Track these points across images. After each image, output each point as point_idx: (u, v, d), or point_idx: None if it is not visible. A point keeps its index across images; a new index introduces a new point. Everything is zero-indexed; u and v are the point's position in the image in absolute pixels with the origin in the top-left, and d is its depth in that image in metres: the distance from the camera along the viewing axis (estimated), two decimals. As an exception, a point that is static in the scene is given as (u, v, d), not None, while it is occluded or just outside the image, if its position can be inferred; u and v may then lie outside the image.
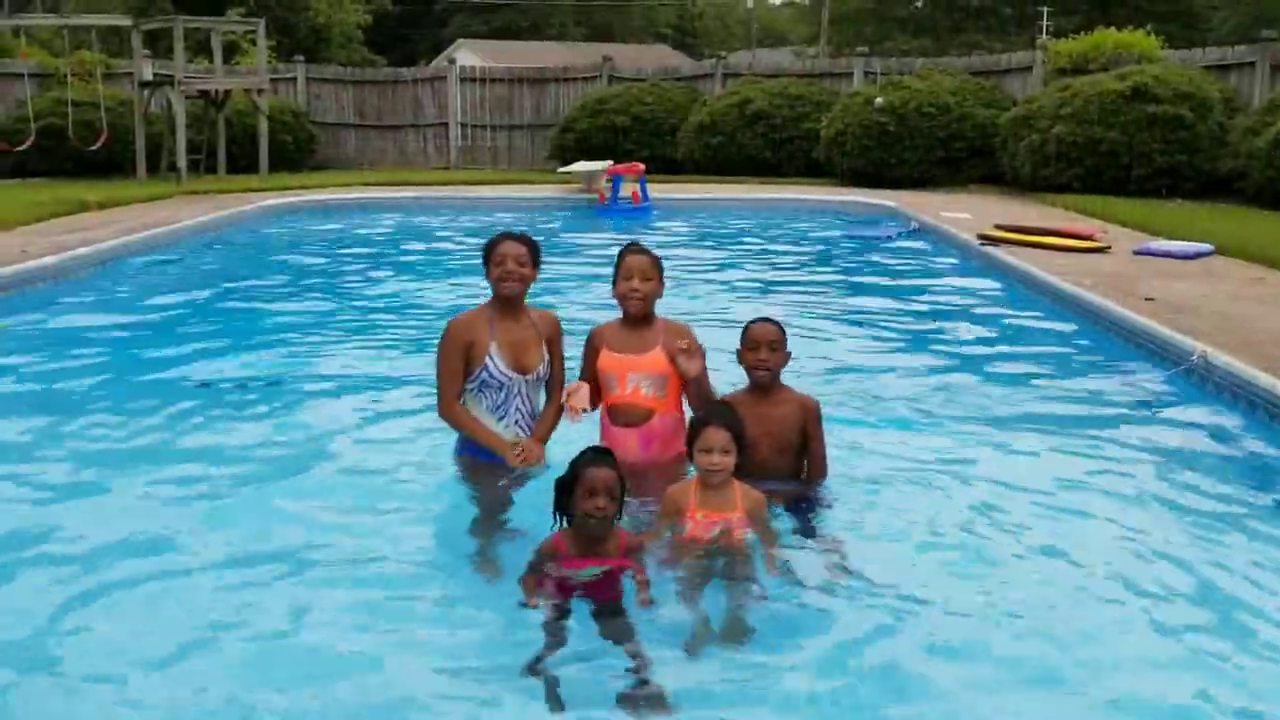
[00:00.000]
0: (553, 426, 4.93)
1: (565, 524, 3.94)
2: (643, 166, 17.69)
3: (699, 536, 4.04)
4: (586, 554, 3.89)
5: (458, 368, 4.77)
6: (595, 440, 4.68)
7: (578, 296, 9.08)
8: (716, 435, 4.05)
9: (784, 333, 4.64)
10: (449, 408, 4.82)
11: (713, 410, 4.25)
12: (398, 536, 4.45)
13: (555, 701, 3.28)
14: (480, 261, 4.90)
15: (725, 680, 3.41)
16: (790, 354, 4.67)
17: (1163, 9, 42.20)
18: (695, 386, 4.63)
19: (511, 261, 4.76)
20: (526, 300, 4.92)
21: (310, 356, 7.69)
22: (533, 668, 3.42)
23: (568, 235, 14.49)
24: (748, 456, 4.49)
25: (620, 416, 4.79)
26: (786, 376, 4.73)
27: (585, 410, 4.73)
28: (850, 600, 3.90)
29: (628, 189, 16.97)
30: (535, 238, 4.94)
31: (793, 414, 4.61)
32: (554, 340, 4.96)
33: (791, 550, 4.21)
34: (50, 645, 3.62)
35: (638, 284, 4.74)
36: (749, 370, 4.61)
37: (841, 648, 3.61)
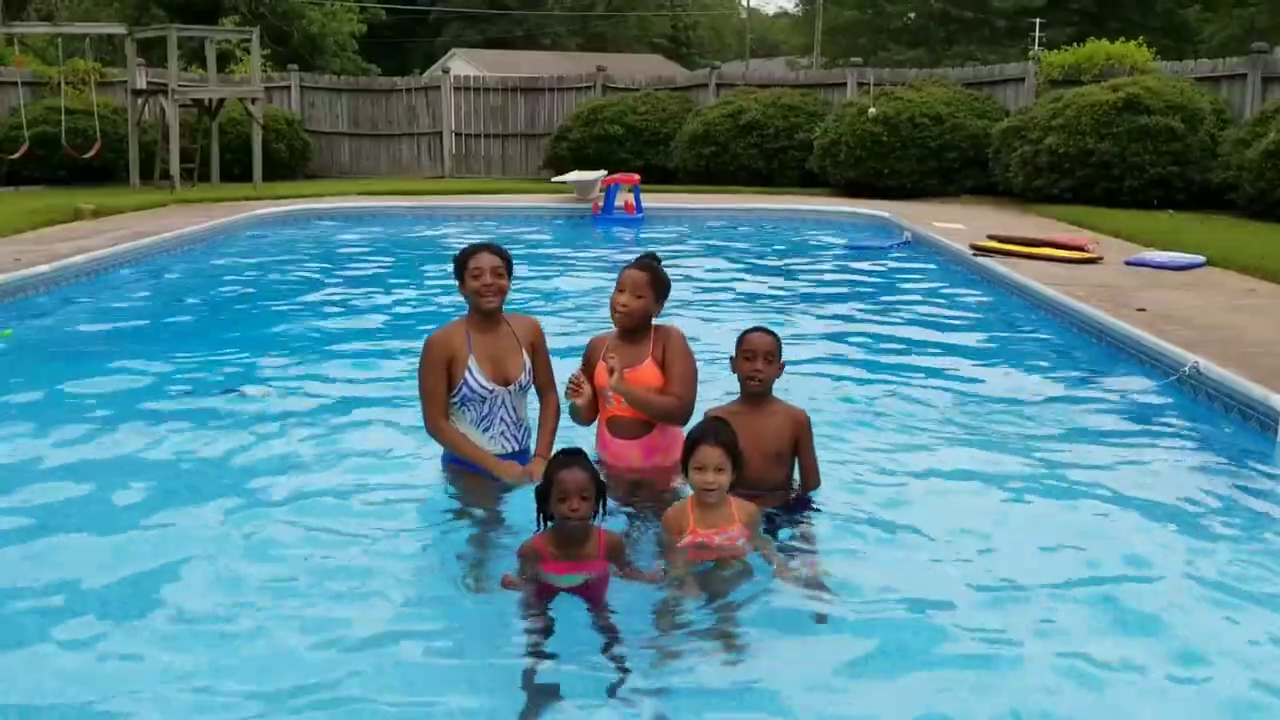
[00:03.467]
0: (554, 437, 4.91)
1: (548, 527, 3.97)
2: (638, 177, 17.71)
3: (703, 550, 4.03)
4: (566, 556, 3.91)
5: (440, 384, 4.75)
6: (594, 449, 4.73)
7: (567, 306, 9.11)
8: (711, 453, 4.01)
9: (780, 343, 4.64)
10: (436, 425, 4.81)
11: (708, 427, 4.19)
12: (385, 545, 4.44)
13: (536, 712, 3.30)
14: (453, 274, 4.87)
15: (711, 685, 3.42)
16: (784, 365, 4.67)
17: (1155, 21, 42.45)
18: (629, 398, 4.63)
19: (489, 274, 4.73)
20: (505, 308, 4.91)
21: (303, 365, 7.67)
22: (526, 679, 3.43)
23: (561, 244, 14.48)
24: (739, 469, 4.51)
25: (620, 429, 4.79)
26: (777, 387, 4.73)
27: (581, 398, 4.74)
28: (840, 608, 3.90)
29: (621, 199, 16.98)
30: (505, 247, 4.92)
31: (783, 426, 4.60)
32: (537, 345, 4.95)
33: (783, 558, 4.21)
34: (41, 651, 3.62)
35: (624, 299, 4.72)
36: (743, 380, 4.60)
37: (830, 653, 3.62)
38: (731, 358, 4.65)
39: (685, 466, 4.09)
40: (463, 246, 4.95)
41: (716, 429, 4.14)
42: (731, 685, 3.44)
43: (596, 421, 4.93)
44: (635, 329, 4.78)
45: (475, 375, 4.72)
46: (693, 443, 4.08)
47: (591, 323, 7.73)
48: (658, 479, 4.73)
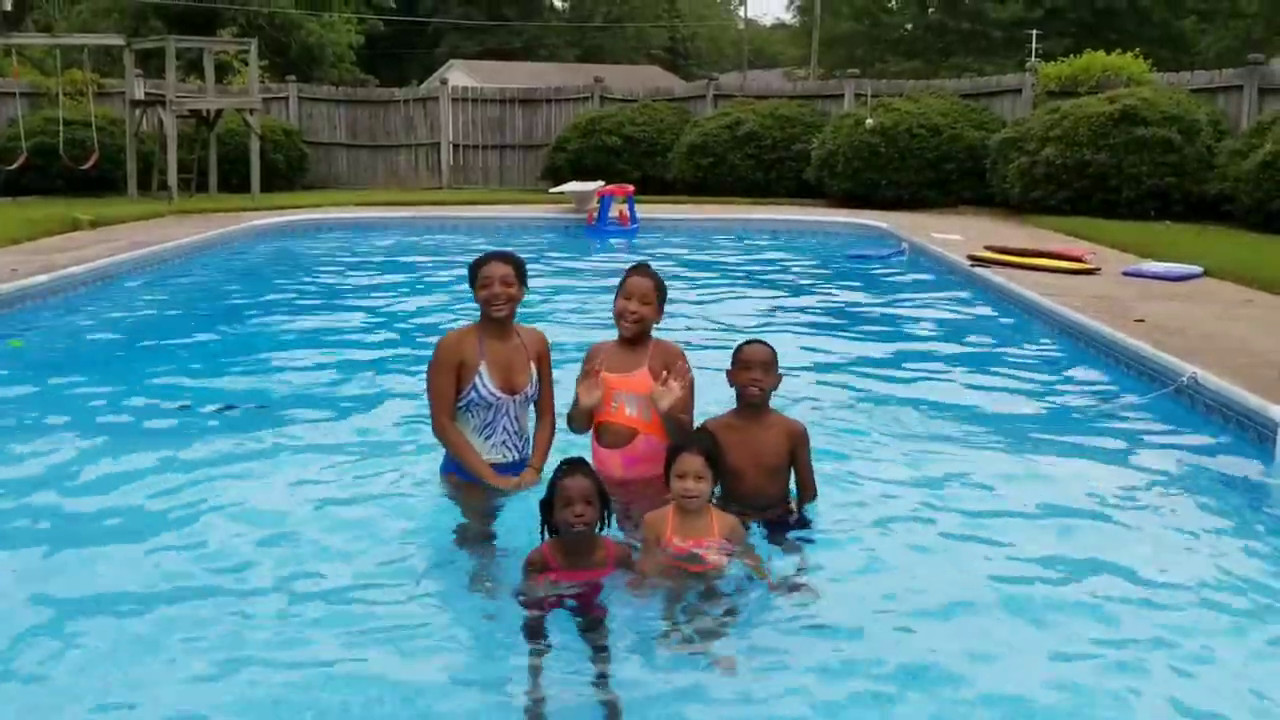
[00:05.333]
0: (547, 451, 4.92)
1: (552, 538, 3.97)
2: (631, 188, 17.72)
3: (677, 562, 4.04)
4: (575, 566, 3.91)
5: (448, 387, 4.76)
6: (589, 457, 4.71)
7: (562, 316, 9.08)
8: (691, 461, 4.04)
9: (776, 355, 4.64)
10: (440, 426, 4.81)
11: (689, 436, 4.23)
12: (381, 555, 4.44)
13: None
14: (467, 282, 4.88)
15: (700, 699, 3.42)
16: (781, 376, 4.66)
17: (1151, 33, 42.50)
18: (668, 420, 4.58)
19: (498, 283, 4.74)
20: (515, 318, 4.91)
21: (300, 375, 7.67)
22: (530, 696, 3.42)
23: (555, 255, 14.49)
24: (736, 483, 4.51)
25: (606, 436, 4.79)
26: (774, 398, 4.72)
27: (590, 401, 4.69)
28: (831, 621, 3.90)
29: (615, 209, 17.01)
30: (520, 255, 4.93)
31: (780, 439, 4.59)
32: (543, 359, 4.95)
33: (772, 572, 4.21)
34: (31, 662, 3.61)
35: (635, 306, 4.72)
36: (741, 390, 4.59)
37: (823, 668, 3.61)
38: (728, 370, 4.64)
39: (668, 474, 4.11)
40: (478, 254, 4.93)
41: (698, 438, 4.19)
42: (718, 695, 3.44)
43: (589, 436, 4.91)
44: (641, 335, 4.79)
45: (485, 382, 4.73)
46: (675, 451, 4.12)
47: (584, 332, 7.74)
48: (642, 490, 4.65)
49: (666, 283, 4.90)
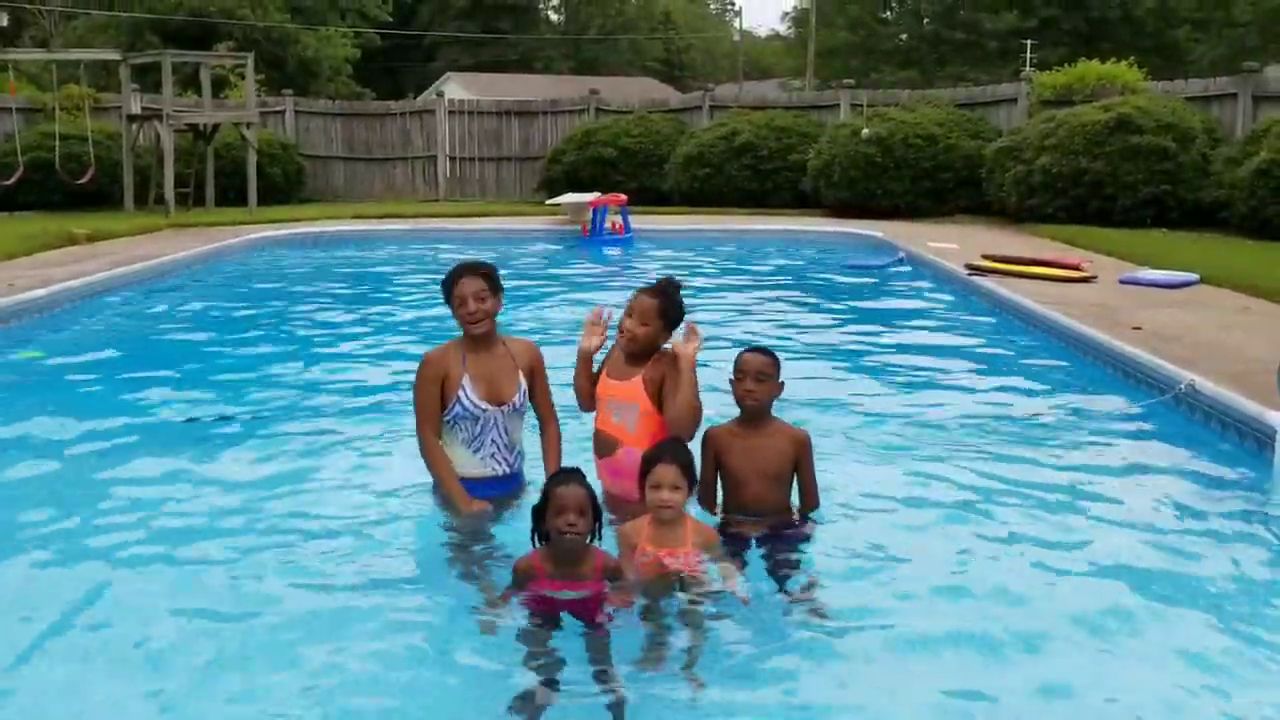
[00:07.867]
0: (558, 464, 4.82)
1: (543, 545, 3.96)
2: (624, 197, 17.75)
3: (649, 570, 4.03)
4: (563, 575, 3.89)
5: (434, 402, 4.74)
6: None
7: (557, 328, 9.06)
8: (666, 472, 4.03)
9: (776, 363, 4.62)
10: (425, 444, 4.80)
11: (663, 446, 4.21)
12: (372, 566, 4.43)
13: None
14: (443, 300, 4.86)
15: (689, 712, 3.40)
16: (782, 385, 4.65)
17: (1145, 42, 42.63)
18: (681, 382, 4.52)
19: (472, 301, 4.70)
20: (506, 329, 4.90)
21: (296, 387, 7.67)
22: (526, 696, 3.41)
23: (550, 267, 14.50)
24: (739, 490, 4.50)
25: (594, 442, 4.80)
26: (774, 407, 4.72)
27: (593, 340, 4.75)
28: (822, 633, 3.89)
29: (609, 220, 17.03)
30: (488, 263, 4.89)
31: (783, 447, 4.59)
32: (536, 369, 4.92)
33: (766, 581, 4.21)
34: (24, 686, 3.59)
35: (631, 324, 4.67)
36: (738, 400, 4.59)
37: (810, 681, 3.60)
38: (730, 379, 4.64)
39: (642, 484, 4.10)
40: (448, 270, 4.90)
41: (672, 449, 4.17)
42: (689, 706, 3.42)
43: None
44: (639, 354, 4.76)
45: (468, 394, 4.72)
46: (649, 462, 4.11)
47: (574, 343, 7.72)
48: (616, 510, 4.61)
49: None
